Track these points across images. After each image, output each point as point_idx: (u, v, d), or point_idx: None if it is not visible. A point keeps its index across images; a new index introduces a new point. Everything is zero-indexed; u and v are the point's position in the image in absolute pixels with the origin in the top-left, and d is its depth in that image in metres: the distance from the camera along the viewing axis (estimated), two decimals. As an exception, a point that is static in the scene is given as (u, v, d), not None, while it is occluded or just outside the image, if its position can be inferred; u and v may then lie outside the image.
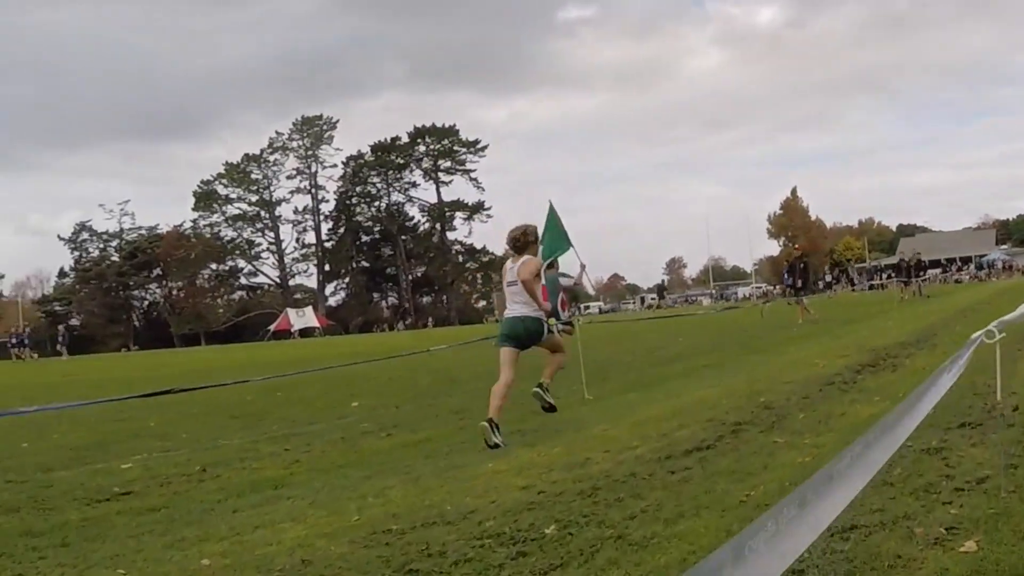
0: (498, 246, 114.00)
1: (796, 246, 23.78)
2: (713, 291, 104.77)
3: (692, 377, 12.05)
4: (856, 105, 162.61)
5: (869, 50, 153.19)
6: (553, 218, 13.98)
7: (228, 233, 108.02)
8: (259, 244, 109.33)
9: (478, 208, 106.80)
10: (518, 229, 8.79)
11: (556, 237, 13.95)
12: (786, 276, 24.11)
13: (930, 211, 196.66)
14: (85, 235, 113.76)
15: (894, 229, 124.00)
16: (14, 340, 51.54)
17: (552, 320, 13.94)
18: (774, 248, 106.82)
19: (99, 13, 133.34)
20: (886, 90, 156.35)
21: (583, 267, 14.46)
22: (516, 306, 8.53)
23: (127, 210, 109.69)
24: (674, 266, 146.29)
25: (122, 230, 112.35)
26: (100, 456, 9.04)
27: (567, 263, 14.86)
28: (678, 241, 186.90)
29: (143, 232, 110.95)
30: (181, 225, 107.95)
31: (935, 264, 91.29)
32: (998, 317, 6.50)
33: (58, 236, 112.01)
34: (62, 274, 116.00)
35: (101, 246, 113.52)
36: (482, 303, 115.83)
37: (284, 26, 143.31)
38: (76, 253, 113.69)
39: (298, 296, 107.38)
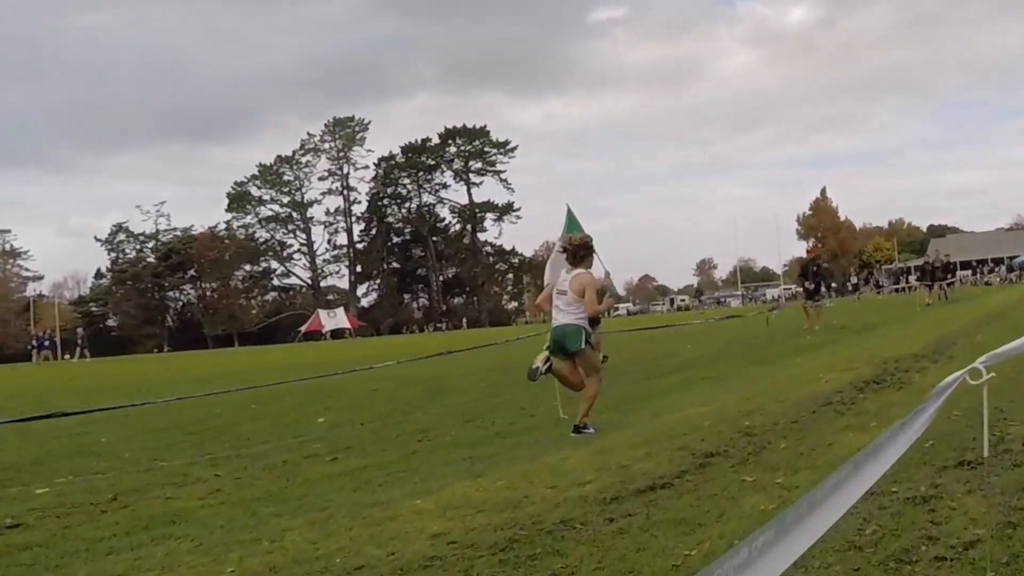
0: (528, 247, 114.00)
1: (810, 248, 22.43)
2: (743, 292, 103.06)
3: (686, 392, 11.06)
4: (887, 105, 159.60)
5: (900, 49, 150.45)
6: (573, 223, 14.07)
7: (261, 234, 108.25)
8: (291, 245, 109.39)
9: (508, 209, 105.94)
10: (576, 239, 8.99)
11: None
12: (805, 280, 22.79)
13: (962, 212, 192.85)
14: (122, 236, 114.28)
15: (924, 230, 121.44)
16: (35, 343, 51.51)
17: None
18: (803, 249, 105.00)
19: (140, 15, 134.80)
20: (917, 90, 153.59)
21: (607, 274, 13.77)
22: (561, 315, 8.72)
23: (163, 211, 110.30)
24: (704, 267, 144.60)
25: (158, 231, 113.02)
26: (25, 477, 8.30)
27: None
28: (709, 242, 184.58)
29: (178, 233, 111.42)
30: (216, 226, 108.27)
31: (965, 266, 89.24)
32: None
33: (95, 237, 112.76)
34: (99, 275, 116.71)
35: (137, 247, 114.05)
36: (513, 304, 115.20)
37: (319, 28, 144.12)
38: (113, 254, 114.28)
39: (330, 297, 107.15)
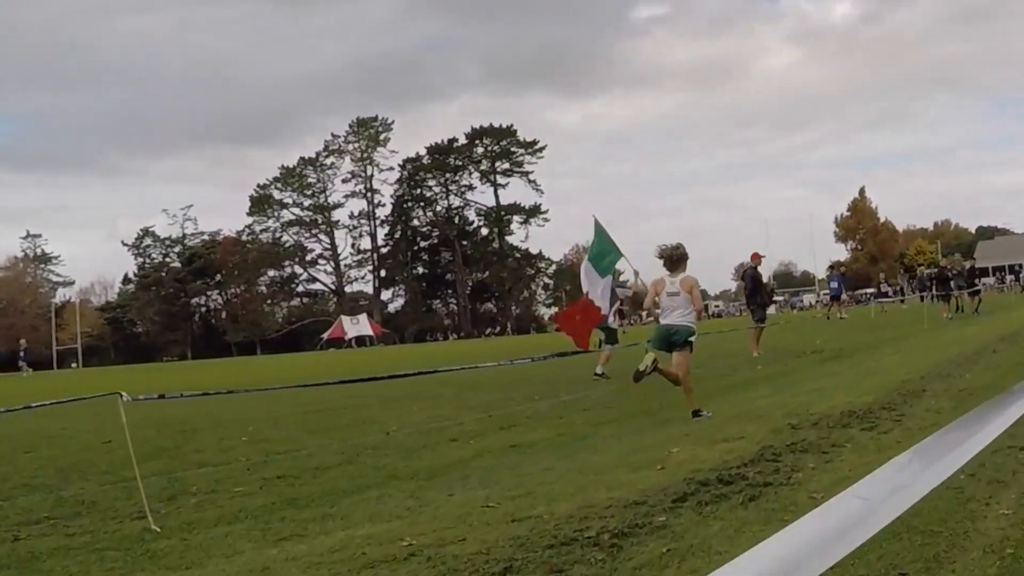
0: (556, 251, 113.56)
1: (754, 254, 20.03)
2: (780, 299, 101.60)
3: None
4: (935, 102, 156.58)
5: (948, 44, 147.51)
6: (600, 233, 15.68)
7: (284, 238, 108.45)
8: (314, 250, 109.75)
9: (535, 211, 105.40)
10: (671, 246, 10.12)
11: (607, 250, 15.68)
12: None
13: (1016, 213, 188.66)
14: (148, 241, 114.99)
15: (973, 231, 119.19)
16: (21, 354, 51.80)
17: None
18: (841, 252, 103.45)
19: (185, 18, 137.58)
20: (967, 86, 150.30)
21: (636, 273, 15.41)
22: (672, 314, 9.98)
23: (189, 215, 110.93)
24: (742, 271, 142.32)
25: (184, 235, 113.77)
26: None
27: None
28: (753, 245, 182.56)
29: (206, 237, 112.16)
30: (243, 231, 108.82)
31: (998, 270, 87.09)
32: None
33: (122, 242, 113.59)
34: (126, 280, 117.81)
35: (164, 252, 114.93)
36: (548, 311, 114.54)
37: (364, 30, 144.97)
38: (140, 259, 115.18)
39: (357, 303, 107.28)
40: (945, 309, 27.80)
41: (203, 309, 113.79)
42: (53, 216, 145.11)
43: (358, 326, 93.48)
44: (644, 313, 18.17)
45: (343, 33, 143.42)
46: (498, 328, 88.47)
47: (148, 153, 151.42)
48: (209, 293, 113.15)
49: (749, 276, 19.45)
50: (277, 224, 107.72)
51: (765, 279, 21.72)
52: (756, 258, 19.99)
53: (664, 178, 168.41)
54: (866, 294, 70.43)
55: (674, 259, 10.11)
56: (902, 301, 34.72)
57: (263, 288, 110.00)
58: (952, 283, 28.36)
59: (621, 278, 17.99)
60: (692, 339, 10.01)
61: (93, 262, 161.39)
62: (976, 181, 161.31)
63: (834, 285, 35.54)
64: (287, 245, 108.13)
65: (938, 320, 25.98)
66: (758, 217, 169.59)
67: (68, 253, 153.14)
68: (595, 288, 15.60)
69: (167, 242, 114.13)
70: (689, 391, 10.06)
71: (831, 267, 37.74)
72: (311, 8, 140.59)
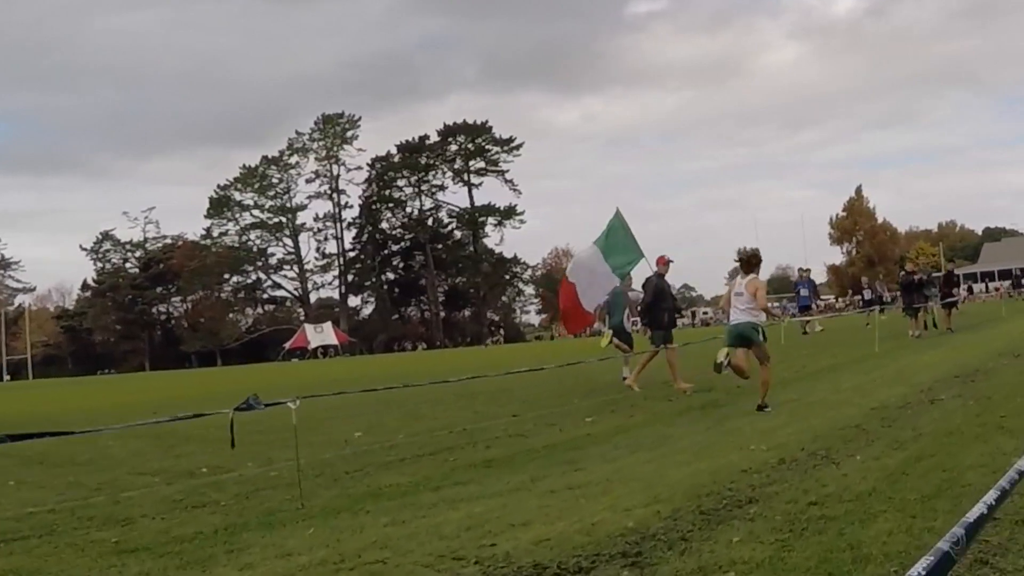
0: (534, 255, 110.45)
1: (660, 258, 15.68)
2: (685, 319, 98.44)
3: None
4: (945, 100, 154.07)
5: (958, 40, 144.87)
6: (618, 227, 15.49)
7: (247, 242, 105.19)
8: (275, 254, 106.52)
9: (510, 213, 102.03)
10: (749, 250, 11.16)
11: (628, 249, 15.51)
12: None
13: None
14: (108, 245, 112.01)
15: (979, 233, 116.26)
16: None
17: (607, 334, 16.16)
18: (836, 255, 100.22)
19: (174, 16, 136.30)
20: (978, 83, 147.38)
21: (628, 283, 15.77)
22: (740, 313, 10.95)
23: (151, 218, 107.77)
24: (736, 276, 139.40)
25: (145, 239, 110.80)
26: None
27: (638, 274, 16.16)
28: (756, 247, 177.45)
29: (168, 241, 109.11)
30: (208, 233, 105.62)
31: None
32: None
33: (80, 246, 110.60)
34: (84, 287, 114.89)
35: (124, 256, 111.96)
36: (530, 318, 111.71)
37: (357, 28, 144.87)
38: (99, 264, 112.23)
39: (324, 310, 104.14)
40: (913, 325, 23.71)
41: (163, 317, 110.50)
42: (35, 219, 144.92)
43: (322, 335, 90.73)
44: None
45: (336, 31, 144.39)
46: (499, 338, 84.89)
47: (135, 154, 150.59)
48: (172, 300, 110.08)
49: (652, 286, 15.45)
50: (237, 227, 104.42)
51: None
52: (662, 263, 15.93)
53: (665, 179, 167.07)
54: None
55: (749, 262, 11.19)
56: (881, 311, 31.26)
57: (226, 295, 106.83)
58: (923, 292, 24.04)
59: (636, 284, 16.64)
60: (759, 339, 11.01)
61: (67, 267, 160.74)
62: (987, 181, 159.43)
63: (804, 293, 31.43)
64: (248, 249, 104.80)
65: (904, 339, 22.52)
66: (767, 219, 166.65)
67: (47, 257, 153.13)
68: (596, 280, 15.32)
69: (128, 246, 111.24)
70: (767, 383, 10.98)
71: (800, 273, 33.57)
72: (303, 5, 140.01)
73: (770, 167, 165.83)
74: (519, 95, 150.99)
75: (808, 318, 29.79)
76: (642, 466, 8.06)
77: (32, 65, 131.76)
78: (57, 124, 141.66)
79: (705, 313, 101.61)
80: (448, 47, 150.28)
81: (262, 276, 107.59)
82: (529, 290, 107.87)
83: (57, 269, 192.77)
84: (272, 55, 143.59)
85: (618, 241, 15.63)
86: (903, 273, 25.21)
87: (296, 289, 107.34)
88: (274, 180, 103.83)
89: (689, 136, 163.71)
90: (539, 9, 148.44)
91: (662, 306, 15.26)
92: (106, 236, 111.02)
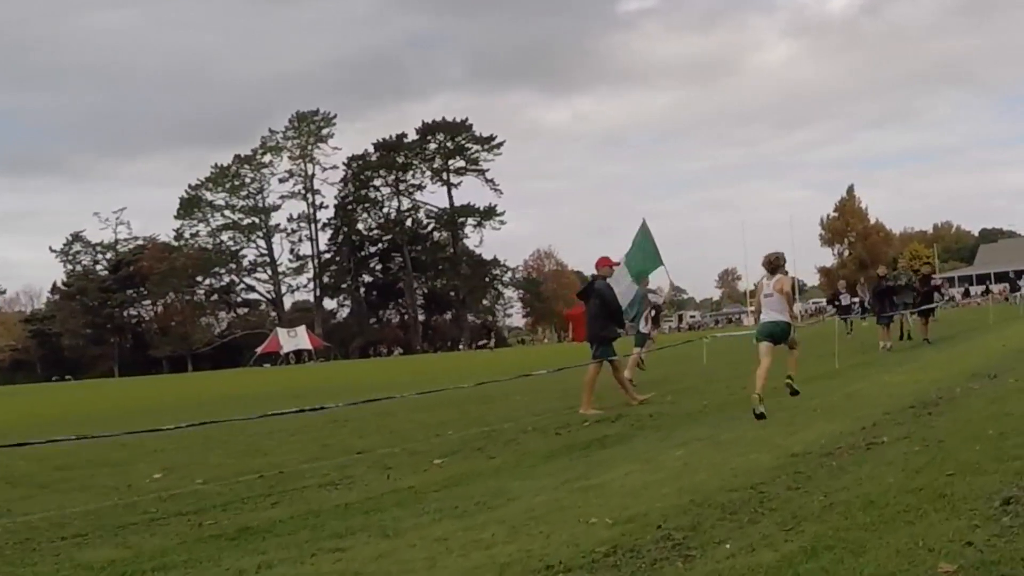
0: (520, 258, 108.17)
1: (600, 259, 13.28)
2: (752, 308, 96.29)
3: None
4: (943, 99, 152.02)
5: (955, 38, 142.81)
6: (646, 236, 16.27)
7: (215, 243, 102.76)
8: (247, 256, 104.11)
9: (490, 213, 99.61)
10: (773, 254, 11.64)
11: (650, 256, 16.22)
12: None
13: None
14: (78, 247, 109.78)
15: (976, 234, 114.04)
16: None
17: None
18: (828, 257, 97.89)
19: (157, 15, 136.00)
20: (975, 82, 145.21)
21: (672, 285, 17.20)
22: (772, 313, 11.43)
23: (122, 219, 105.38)
24: (727, 278, 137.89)
25: (116, 241, 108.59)
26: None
27: (655, 278, 16.81)
28: (747, 249, 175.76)
29: (141, 242, 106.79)
30: (178, 235, 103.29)
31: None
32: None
33: (49, 248, 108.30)
34: (54, 289, 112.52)
35: (94, 258, 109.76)
36: (513, 320, 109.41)
37: (343, 26, 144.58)
38: (69, 266, 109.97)
39: (301, 314, 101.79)
40: (885, 335, 21.22)
41: (133, 321, 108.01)
42: (13, 221, 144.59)
43: (295, 339, 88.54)
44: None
45: (321, 29, 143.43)
46: (492, 342, 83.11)
47: (117, 155, 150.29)
48: (143, 304, 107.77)
49: (597, 291, 13.21)
50: (209, 228, 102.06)
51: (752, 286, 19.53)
52: (604, 265, 13.75)
53: (657, 180, 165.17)
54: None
55: (774, 265, 11.50)
56: (863, 317, 28.73)
57: (198, 298, 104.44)
58: (897, 299, 21.65)
59: (652, 284, 17.07)
60: (791, 335, 11.48)
61: (42, 270, 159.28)
62: (984, 182, 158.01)
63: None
64: (221, 251, 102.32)
65: (874, 352, 19.91)
66: (756, 220, 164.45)
67: (23, 260, 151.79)
68: (619, 291, 14.92)
69: (98, 248, 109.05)
70: (796, 361, 11.73)
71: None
72: (288, 3, 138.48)
73: (764, 167, 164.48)
74: (507, 94, 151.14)
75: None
76: (429, 546, 5.95)
77: (12, 64, 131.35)
78: (37, 124, 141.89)
79: (692, 317, 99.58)
80: (435, 46, 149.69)
81: (235, 279, 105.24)
82: (510, 293, 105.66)
83: (31, 272, 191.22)
84: (257, 54, 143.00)
85: (645, 251, 16.23)
86: (880, 279, 22.68)
87: (269, 292, 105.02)
88: (247, 180, 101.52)
89: (681, 136, 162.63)
90: (528, 7, 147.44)
91: (609, 314, 13.18)
92: (76, 238, 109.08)
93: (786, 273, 11.66)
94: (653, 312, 17.59)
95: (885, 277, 22.55)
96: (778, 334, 11.29)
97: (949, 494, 5.95)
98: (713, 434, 9.56)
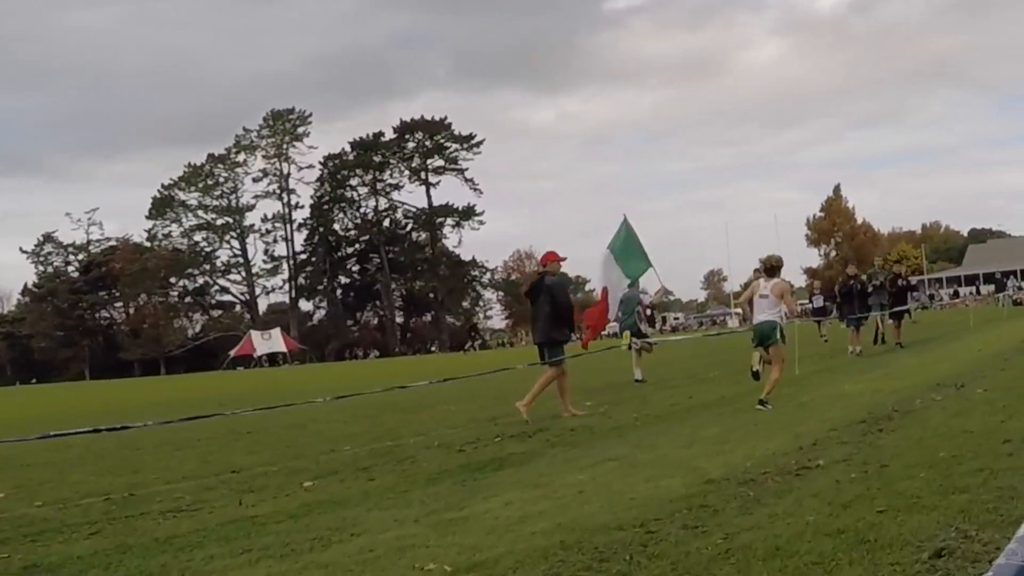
0: (501, 258, 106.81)
1: (545, 255, 12.19)
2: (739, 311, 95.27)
3: None
4: (934, 98, 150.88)
5: (947, 36, 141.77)
6: (629, 235, 15.99)
7: (189, 244, 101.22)
8: (220, 256, 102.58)
9: (469, 213, 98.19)
10: (773, 257, 11.79)
11: (638, 257, 16.08)
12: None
13: (1021, 215, 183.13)
14: (49, 247, 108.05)
15: (965, 234, 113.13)
16: None
17: (626, 335, 17.31)
18: (814, 257, 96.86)
19: (138, 13, 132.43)
20: (968, 80, 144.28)
21: (665, 290, 17.20)
22: (762, 314, 11.49)
23: (95, 219, 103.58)
24: (712, 279, 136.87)
25: (89, 241, 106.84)
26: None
27: (645, 280, 17.08)
28: (739, 250, 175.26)
29: (114, 243, 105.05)
30: (150, 235, 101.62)
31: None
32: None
33: (20, 248, 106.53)
34: (25, 291, 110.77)
35: (66, 259, 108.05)
36: (493, 323, 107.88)
37: (327, 24, 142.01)
38: (40, 268, 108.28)
39: (272, 316, 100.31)
40: (854, 339, 19.95)
41: (105, 323, 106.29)
42: None
43: (270, 342, 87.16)
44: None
45: (304, 27, 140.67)
46: (478, 343, 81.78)
47: (97, 155, 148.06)
48: (115, 305, 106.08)
49: (547, 288, 12.05)
50: (182, 228, 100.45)
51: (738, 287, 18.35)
52: (549, 260, 12.59)
53: (644, 180, 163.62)
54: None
55: (773, 268, 11.72)
56: (818, 322, 27.51)
57: (172, 300, 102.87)
58: (870, 300, 20.58)
59: (641, 287, 17.35)
60: (778, 339, 11.42)
61: (15, 271, 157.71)
62: (976, 182, 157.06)
63: None
64: (194, 252, 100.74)
65: (842, 357, 18.64)
66: (747, 221, 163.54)
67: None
68: (611, 283, 15.76)
69: (70, 249, 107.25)
70: (775, 383, 11.19)
71: (755, 273, 28.64)
72: (272, 1, 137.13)
73: (753, 167, 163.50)
74: (493, 93, 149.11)
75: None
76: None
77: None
78: (15, 123, 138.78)
79: (676, 319, 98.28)
80: (420, 44, 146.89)
81: (209, 280, 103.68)
82: (489, 294, 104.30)
83: (3, 274, 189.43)
84: (240, 52, 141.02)
85: (631, 248, 16.04)
86: (846, 280, 21.53)
87: (243, 294, 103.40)
88: (220, 179, 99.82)
89: (669, 136, 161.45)
90: (514, 4, 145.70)
91: (558, 314, 12.17)
92: (48, 238, 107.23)
93: (780, 276, 11.78)
94: (649, 311, 18.11)
95: (855, 277, 21.38)
96: (767, 335, 11.41)
97: (872, 540, 4.77)
98: (631, 453, 8.37)
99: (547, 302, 12.15)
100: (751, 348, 11.96)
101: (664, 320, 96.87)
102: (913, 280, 25.23)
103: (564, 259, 13.27)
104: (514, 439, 10.03)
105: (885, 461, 6.86)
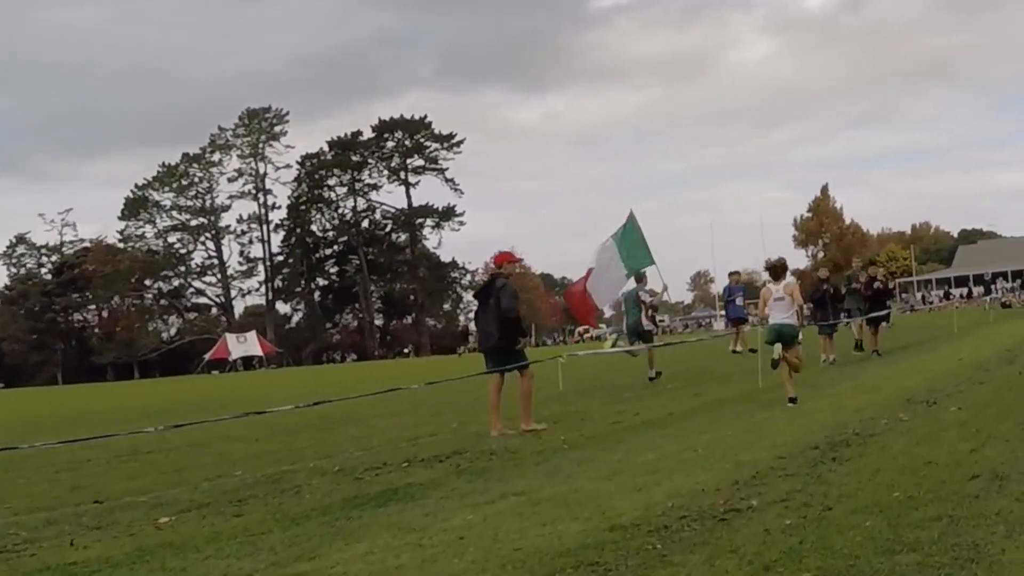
0: (477, 259, 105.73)
1: (498, 255, 11.38)
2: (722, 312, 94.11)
3: None
4: (926, 97, 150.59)
5: (939, 35, 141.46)
6: (634, 229, 16.26)
7: (163, 245, 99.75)
8: (194, 258, 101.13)
9: (449, 214, 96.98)
10: (778, 259, 12.28)
11: (642, 252, 16.33)
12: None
13: (1016, 216, 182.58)
14: (22, 249, 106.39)
15: (955, 235, 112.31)
16: None
17: (611, 338, 20.79)
18: (801, 259, 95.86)
19: (119, 12, 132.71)
20: (961, 79, 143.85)
21: (665, 288, 17.58)
22: (780, 315, 11.83)
23: (68, 220, 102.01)
24: (699, 281, 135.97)
25: (62, 243, 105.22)
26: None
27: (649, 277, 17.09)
28: (732, 250, 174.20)
29: (88, 245, 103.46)
30: (123, 236, 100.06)
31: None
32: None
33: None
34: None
35: (39, 261, 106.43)
36: (473, 326, 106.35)
37: (310, 23, 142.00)
38: (12, 270, 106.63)
39: (249, 319, 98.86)
40: (828, 347, 18.74)
41: (78, 326, 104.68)
42: None
43: (245, 345, 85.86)
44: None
45: (288, 26, 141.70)
46: (464, 347, 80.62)
47: (77, 155, 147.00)
48: (88, 308, 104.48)
49: (496, 291, 10.92)
50: (155, 229, 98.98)
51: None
52: (506, 260, 11.52)
53: (632, 180, 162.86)
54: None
55: (779, 270, 12.11)
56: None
57: (147, 302, 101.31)
58: (847, 304, 19.44)
59: (647, 285, 17.29)
60: (797, 339, 11.93)
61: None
62: (969, 182, 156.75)
63: (739, 302, 25.37)
64: (168, 254, 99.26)
65: (813, 366, 17.36)
66: (736, 222, 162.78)
67: None
68: (607, 273, 15.73)
69: (43, 250, 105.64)
70: (789, 379, 11.78)
71: (732, 277, 26.58)
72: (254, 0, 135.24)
73: (743, 168, 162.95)
74: (478, 93, 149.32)
75: (740, 332, 24.09)
76: None
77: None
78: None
79: (662, 321, 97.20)
80: (404, 43, 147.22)
81: (184, 282, 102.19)
82: (469, 296, 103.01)
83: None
84: (222, 51, 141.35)
85: (634, 241, 16.06)
86: (818, 283, 20.41)
87: (219, 296, 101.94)
88: (195, 179, 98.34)
89: (656, 136, 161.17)
90: (499, 3, 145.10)
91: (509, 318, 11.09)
92: (20, 239, 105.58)
93: (787, 277, 12.11)
94: (651, 311, 18.01)
95: (826, 280, 20.22)
96: (787, 335, 11.63)
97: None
98: (540, 487, 7.22)
99: (496, 306, 11.06)
100: (767, 345, 12.07)
101: (653, 320, 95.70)
102: (898, 283, 23.96)
103: (520, 260, 12.21)
104: (423, 464, 8.90)
105: (830, 503, 5.75)
